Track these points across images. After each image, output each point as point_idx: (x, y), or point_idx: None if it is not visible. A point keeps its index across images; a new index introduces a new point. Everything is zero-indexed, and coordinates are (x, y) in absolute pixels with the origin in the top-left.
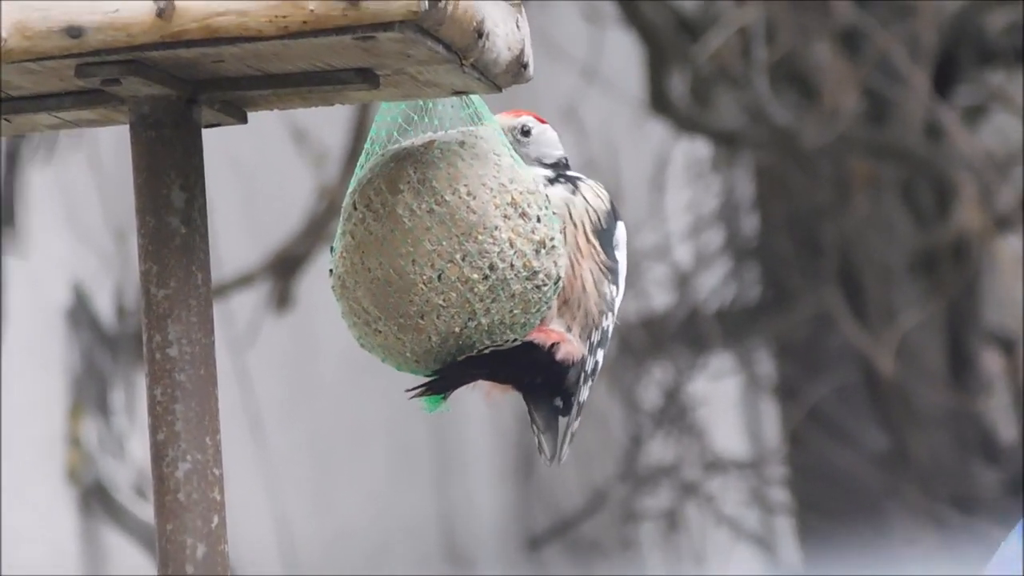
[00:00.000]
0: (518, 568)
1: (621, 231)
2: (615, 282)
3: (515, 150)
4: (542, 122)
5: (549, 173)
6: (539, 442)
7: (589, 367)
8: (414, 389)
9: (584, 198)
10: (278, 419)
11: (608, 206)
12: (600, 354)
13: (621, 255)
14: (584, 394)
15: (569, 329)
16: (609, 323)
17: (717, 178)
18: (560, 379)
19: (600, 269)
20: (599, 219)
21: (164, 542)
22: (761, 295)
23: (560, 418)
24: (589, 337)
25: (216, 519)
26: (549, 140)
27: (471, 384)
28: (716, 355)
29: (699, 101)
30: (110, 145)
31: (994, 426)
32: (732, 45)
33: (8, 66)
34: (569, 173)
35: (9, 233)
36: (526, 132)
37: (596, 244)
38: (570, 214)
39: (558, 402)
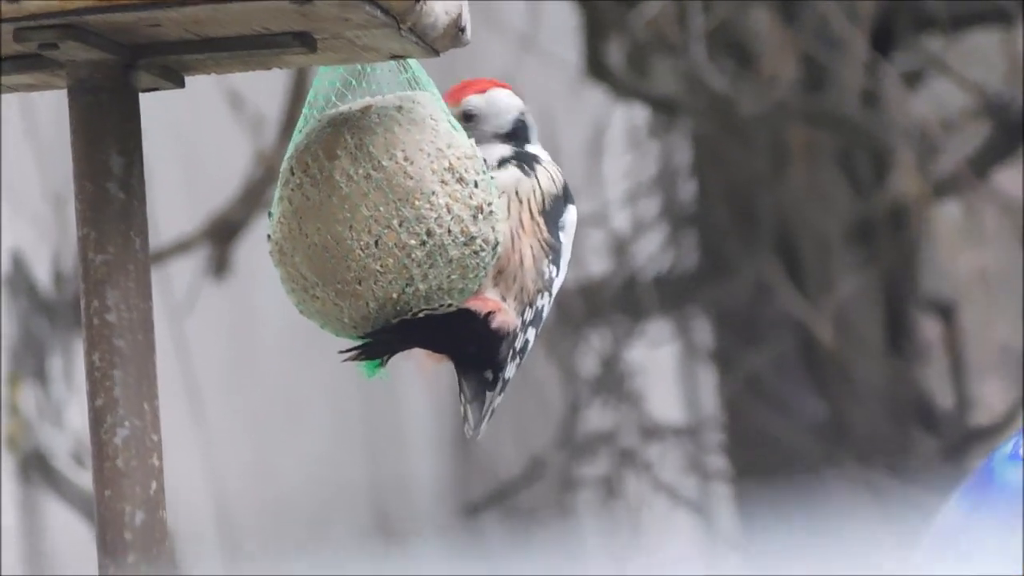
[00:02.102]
0: (455, 535)
1: (571, 215)
2: (555, 263)
3: (467, 135)
4: (488, 88)
5: (507, 151)
6: (464, 412)
7: (518, 344)
8: (348, 351)
9: (536, 179)
10: (216, 386)
11: (560, 190)
12: (532, 333)
13: (566, 238)
14: (510, 371)
15: (504, 299)
16: (545, 303)
17: (655, 145)
18: (493, 349)
19: (541, 246)
20: (545, 200)
21: (102, 509)
22: (699, 263)
23: (486, 392)
24: (522, 313)
25: (154, 485)
26: (499, 108)
27: (406, 353)
28: (654, 323)
29: (636, 68)
30: (47, 111)
31: (931, 394)
32: (669, 12)
33: None
34: (529, 150)
35: None
36: (469, 117)
37: (540, 222)
38: (517, 191)
39: (488, 374)
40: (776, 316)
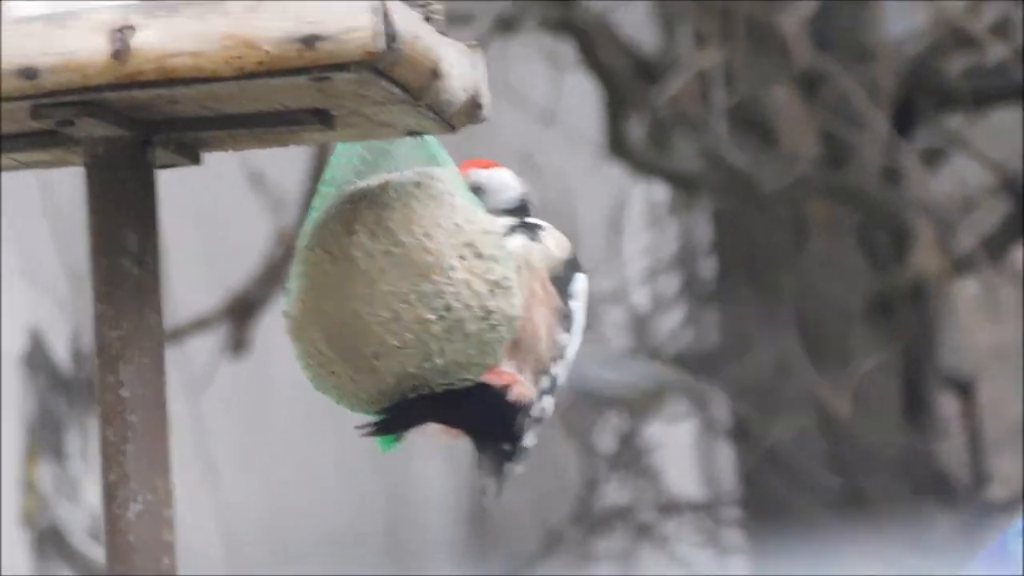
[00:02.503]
0: None
1: (581, 283)
2: (569, 330)
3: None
4: (488, 167)
5: (511, 221)
6: (484, 485)
7: (535, 413)
8: (365, 427)
9: (545, 245)
10: (232, 461)
11: (568, 256)
12: (548, 401)
13: (578, 306)
14: (529, 439)
15: (520, 371)
16: (559, 371)
17: (675, 222)
18: (510, 421)
19: (555, 316)
20: (556, 267)
21: None
22: (718, 339)
23: (504, 464)
24: (538, 382)
25: (166, 560)
26: (501, 185)
27: (420, 428)
28: (672, 399)
29: (657, 145)
30: (65, 188)
31: (948, 468)
32: (691, 89)
33: None
34: (531, 220)
35: None
36: (476, 190)
37: (552, 291)
38: (528, 259)
39: (506, 447)
40: (794, 390)
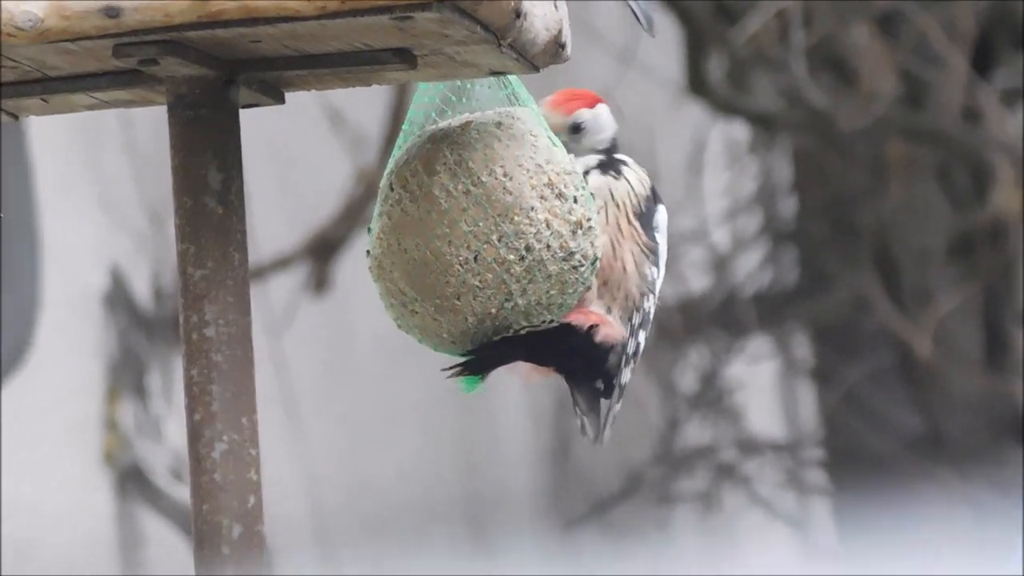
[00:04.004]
0: (552, 549)
1: (662, 214)
2: (656, 264)
3: (567, 146)
4: (594, 104)
5: (595, 159)
6: (582, 423)
7: (631, 349)
8: (450, 368)
9: (627, 181)
10: (314, 400)
11: (649, 191)
12: (642, 336)
13: (662, 238)
14: (626, 376)
15: (609, 311)
16: (651, 305)
17: (754, 161)
18: (600, 361)
19: (641, 250)
20: (639, 203)
21: (200, 523)
22: (798, 279)
23: (602, 400)
24: (630, 319)
25: (252, 499)
26: (601, 124)
27: (510, 366)
28: (753, 339)
29: (737, 84)
30: (146, 127)
31: None
32: (770, 28)
33: (45, 46)
34: (616, 156)
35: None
36: (577, 129)
37: (637, 226)
38: (612, 196)
39: (599, 384)
40: (875, 331)
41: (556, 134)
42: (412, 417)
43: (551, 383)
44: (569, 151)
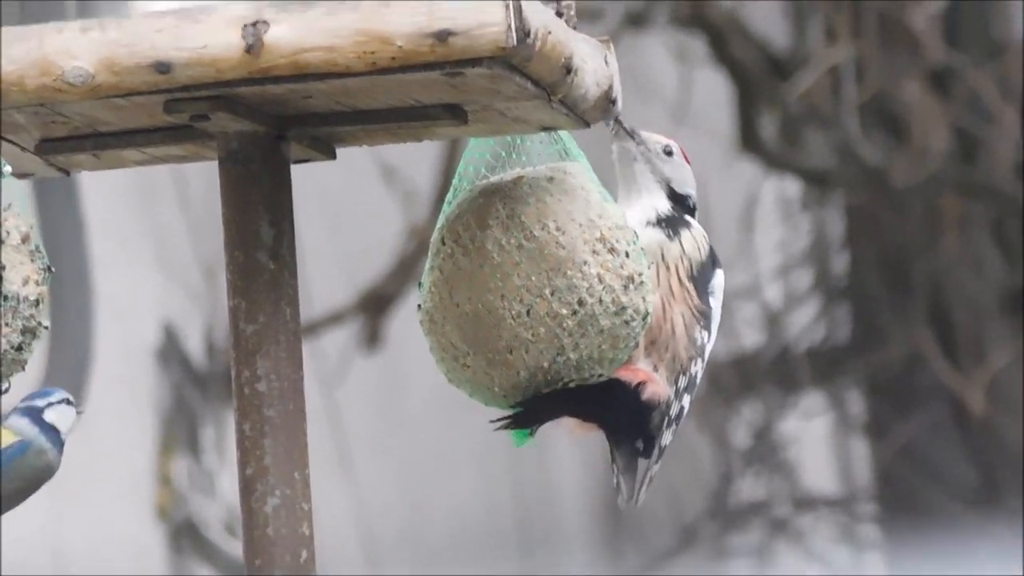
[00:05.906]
0: None
1: (719, 279)
2: (707, 328)
3: (652, 165)
4: (687, 161)
5: (663, 207)
6: (617, 482)
7: (674, 411)
8: (499, 420)
9: (681, 244)
10: (367, 454)
11: (707, 256)
12: (686, 399)
13: (716, 302)
14: (666, 438)
15: (656, 369)
16: (698, 369)
17: (807, 217)
18: (644, 419)
19: (692, 314)
20: (691, 266)
21: None
22: (851, 334)
23: (640, 460)
24: (676, 381)
25: (305, 553)
26: (685, 174)
27: (556, 420)
28: (806, 394)
29: (789, 140)
30: (199, 182)
31: None
32: (822, 84)
33: (96, 101)
34: (685, 216)
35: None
36: (668, 152)
37: (690, 288)
38: (663, 256)
39: (639, 444)
40: (928, 385)
41: (635, 139)
42: (465, 470)
43: (602, 438)
44: (645, 161)
